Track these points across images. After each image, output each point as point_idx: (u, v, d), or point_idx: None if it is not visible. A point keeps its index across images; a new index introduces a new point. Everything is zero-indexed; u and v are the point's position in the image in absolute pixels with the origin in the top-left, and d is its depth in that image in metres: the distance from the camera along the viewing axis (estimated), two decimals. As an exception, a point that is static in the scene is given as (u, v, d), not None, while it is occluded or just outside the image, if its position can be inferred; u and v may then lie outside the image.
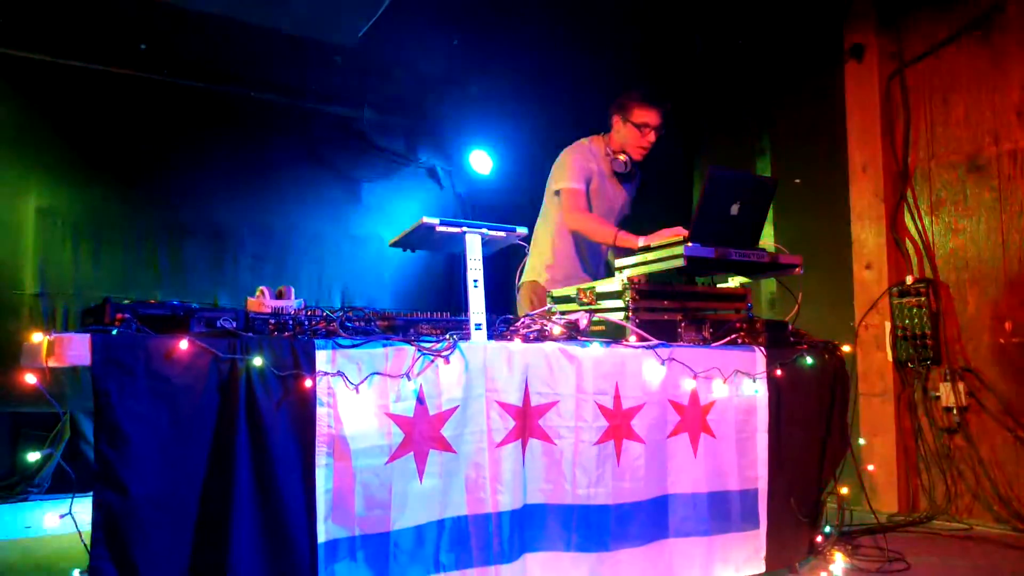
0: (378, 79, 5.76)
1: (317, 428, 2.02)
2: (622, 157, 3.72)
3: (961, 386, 3.97)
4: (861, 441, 4.21)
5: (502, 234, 2.50)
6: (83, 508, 1.81)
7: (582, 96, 5.48)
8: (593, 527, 2.46)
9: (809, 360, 2.97)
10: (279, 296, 2.30)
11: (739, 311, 3.08)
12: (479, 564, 2.25)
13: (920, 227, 4.22)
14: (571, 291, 3.08)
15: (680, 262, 2.73)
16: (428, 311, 2.49)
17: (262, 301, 2.23)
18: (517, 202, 5.75)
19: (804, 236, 4.58)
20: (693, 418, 2.71)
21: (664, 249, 2.84)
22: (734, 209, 2.85)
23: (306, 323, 2.18)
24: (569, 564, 2.43)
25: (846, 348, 3.16)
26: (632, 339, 2.69)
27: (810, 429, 3.00)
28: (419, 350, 2.19)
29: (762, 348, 2.87)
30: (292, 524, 1.97)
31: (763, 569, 2.81)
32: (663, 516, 2.63)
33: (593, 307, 2.93)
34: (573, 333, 2.65)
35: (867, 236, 4.37)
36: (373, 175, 6.01)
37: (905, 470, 4.18)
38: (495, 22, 5.18)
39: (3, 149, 4.63)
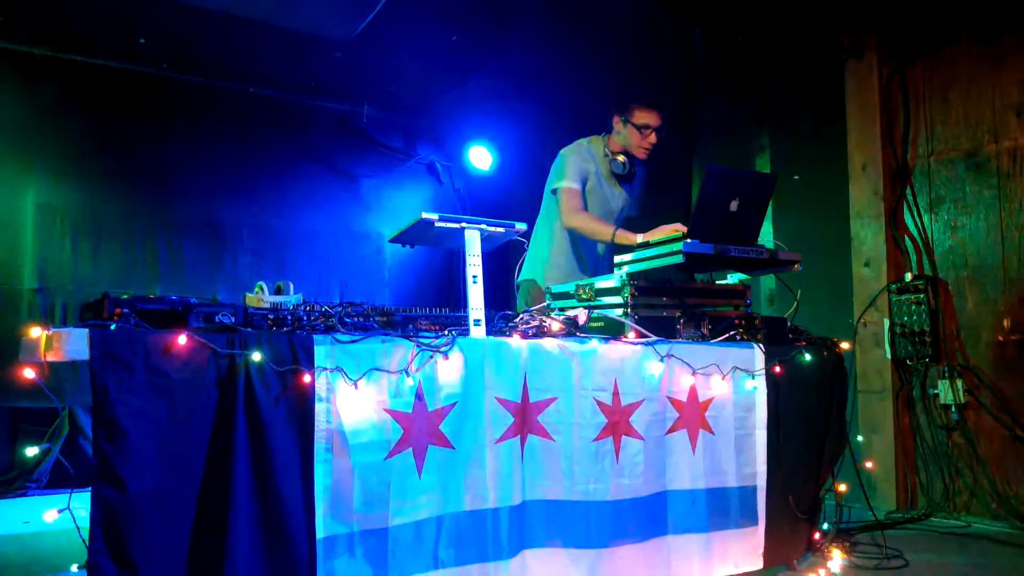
0: (377, 75, 5.75)
1: (316, 424, 2.02)
2: (621, 158, 3.72)
3: (959, 383, 3.97)
4: (859, 438, 4.22)
5: (501, 230, 2.50)
6: (82, 503, 1.82)
7: (581, 92, 5.48)
8: (592, 523, 2.46)
9: (808, 357, 2.97)
10: (278, 292, 2.30)
11: (738, 308, 3.08)
12: (478, 560, 2.25)
13: (919, 225, 4.22)
14: (570, 287, 3.08)
15: (679, 258, 2.72)
16: (427, 307, 2.49)
17: (261, 297, 2.23)
18: (516, 198, 5.76)
19: (803, 233, 4.58)
20: (692, 414, 2.71)
21: (663, 245, 2.83)
22: (733, 205, 2.84)
23: (305, 319, 2.18)
24: (568, 560, 2.43)
25: (845, 345, 3.16)
26: (631, 335, 2.69)
27: (809, 426, 3.00)
28: (418, 346, 2.19)
29: (761, 345, 2.87)
30: (291, 520, 1.97)
31: (761, 566, 2.82)
32: (662, 512, 2.64)
33: (592, 303, 2.93)
34: (572, 329, 2.65)
35: (866, 233, 4.37)
36: (372, 171, 6.01)
37: (903, 467, 4.18)
38: (494, 18, 5.17)
39: (2, 144, 4.62)
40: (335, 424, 2.05)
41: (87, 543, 1.77)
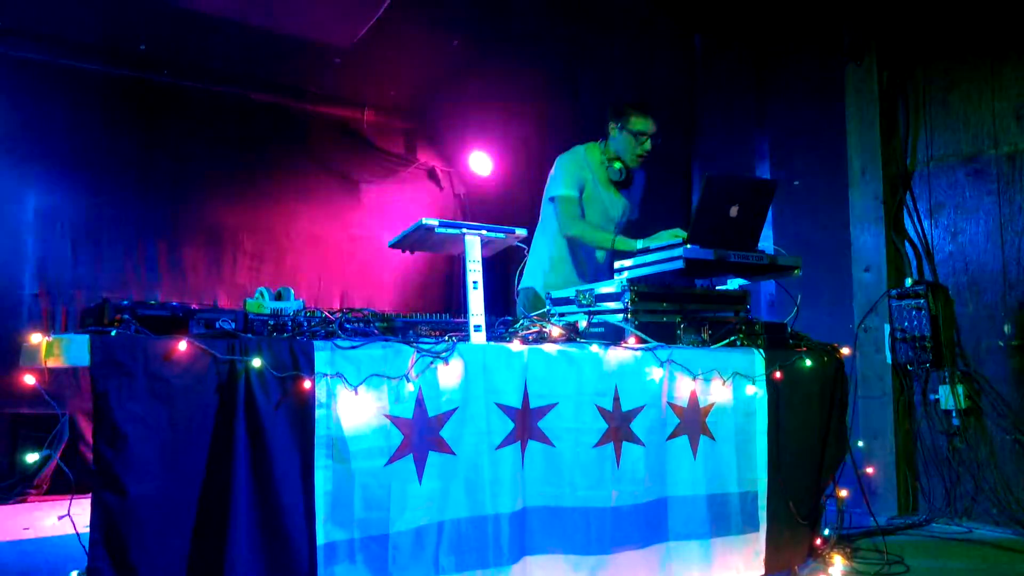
0: (377, 80, 5.76)
1: (316, 429, 2.02)
2: (618, 165, 3.73)
3: (960, 389, 3.96)
4: (860, 444, 4.21)
5: (501, 236, 2.51)
6: (82, 509, 1.81)
7: (582, 98, 5.49)
8: (593, 530, 2.46)
9: (808, 362, 2.97)
10: (278, 297, 2.30)
11: (738, 313, 3.08)
12: (479, 567, 2.25)
13: (920, 230, 4.22)
14: (570, 293, 3.08)
15: (679, 264, 2.72)
16: (427, 312, 2.49)
17: (261, 302, 2.23)
18: (517, 204, 5.76)
19: (803, 238, 4.58)
20: (692, 420, 2.71)
21: (663, 251, 2.84)
22: (733, 211, 2.84)
23: (305, 324, 2.19)
24: (569, 567, 2.42)
25: (845, 350, 3.16)
26: (631, 341, 2.69)
27: (809, 431, 3.00)
28: (418, 352, 2.19)
29: (761, 350, 2.87)
30: (291, 526, 1.97)
31: (762, 572, 2.81)
32: (663, 519, 2.63)
33: (592, 309, 2.93)
34: (572, 335, 2.65)
35: (866, 238, 4.37)
36: (372, 176, 6.01)
37: (904, 473, 4.17)
38: (495, 24, 5.19)
39: (2, 150, 4.63)
40: (335, 430, 2.05)
41: (87, 549, 1.77)
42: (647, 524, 2.58)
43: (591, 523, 2.46)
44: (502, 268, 5.22)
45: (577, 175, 3.69)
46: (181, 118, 5.19)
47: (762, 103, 5.12)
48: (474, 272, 2.40)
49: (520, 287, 3.85)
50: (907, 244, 4.26)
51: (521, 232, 2.56)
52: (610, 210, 3.80)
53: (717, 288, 3.19)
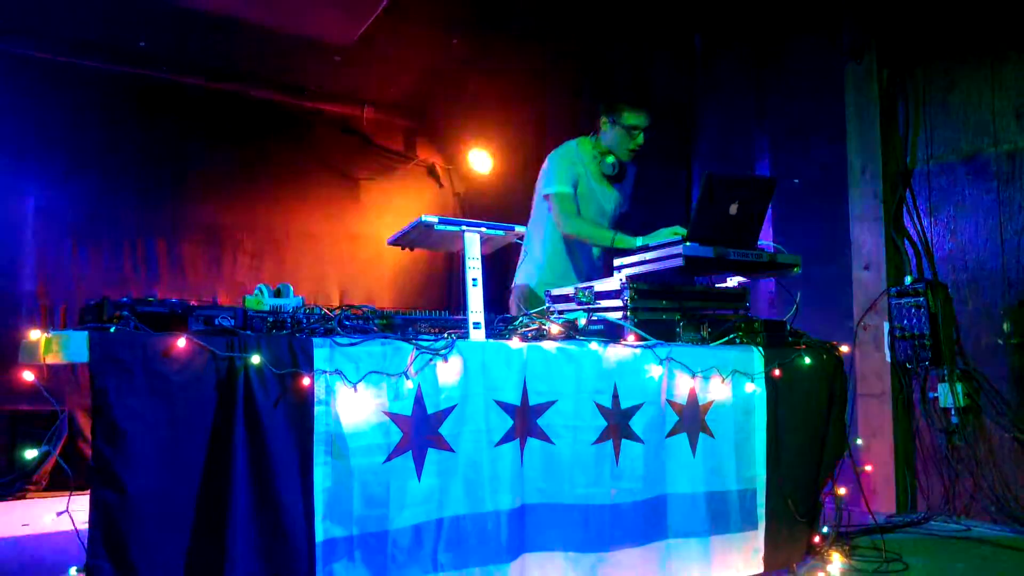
0: (378, 78, 5.76)
1: (315, 426, 2.02)
2: (611, 158, 3.72)
3: (959, 387, 3.96)
4: (859, 442, 4.21)
5: (501, 233, 2.51)
6: (80, 506, 1.81)
7: (582, 96, 5.49)
8: (591, 527, 2.46)
9: (807, 360, 2.97)
10: (277, 294, 2.30)
11: (737, 311, 3.08)
12: (477, 564, 2.25)
13: (919, 228, 4.22)
14: (569, 290, 3.08)
15: (679, 262, 2.72)
16: (427, 309, 2.49)
17: (260, 299, 2.23)
18: (516, 201, 5.74)
19: (803, 236, 4.58)
20: (691, 418, 2.71)
21: (663, 249, 2.83)
22: (733, 209, 2.84)
23: (304, 321, 2.18)
24: (567, 564, 2.42)
25: (844, 348, 3.16)
26: (631, 338, 2.69)
27: (808, 429, 3.00)
28: (417, 349, 2.19)
29: (760, 348, 2.87)
30: (290, 523, 1.97)
31: (761, 569, 2.81)
32: (661, 516, 2.63)
33: (591, 306, 2.93)
34: (572, 332, 2.65)
35: (866, 236, 4.37)
36: (372, 174, 6.01)
37: (903, 471, 4.18)
38: (494, 21, 5.18)
39: (2, 147, 4.62)
40: (334, 427, 2.05)
41: (86, 546, 1.77)
42: (646, 522, 2.58)
43: (590, 520, 2.46)
44: (501, 266, 5.22)
45: (571, 171, 3.68)
46: (181, 116, 5.19)
47: (762, 102, 5.12)
48: (473, 269, 2.40)
49: (513, 284, 3.84)
50: (907, 242, 4.26)
51: (521, 229, 2.56)
52: (604, 204, 3.79)
53: (716, 286, 3.19)
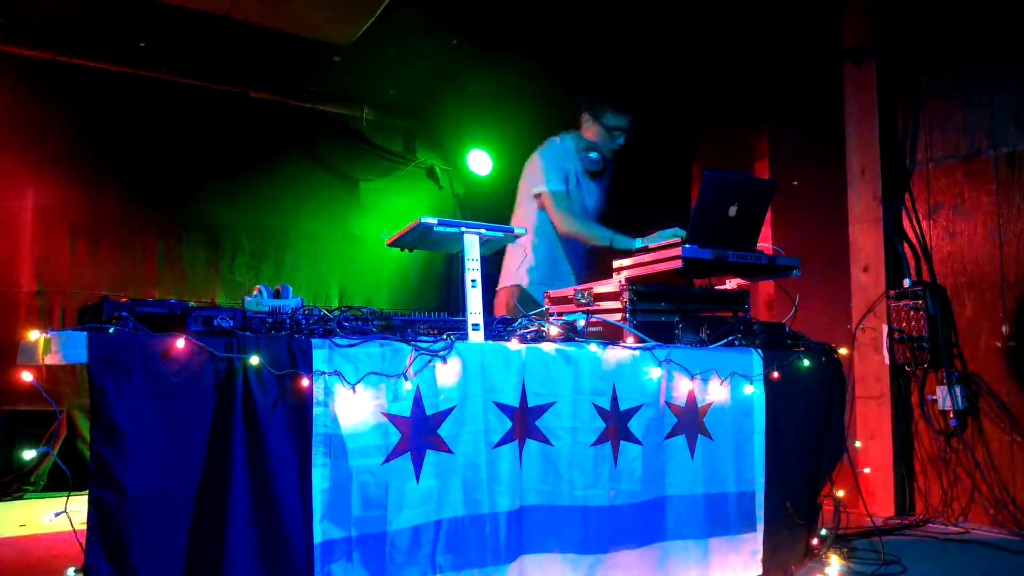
0: (377, 79, 5.76)
1: (313, 427, 2.02)
2: (594, 155, 3.71)
3: (958, 390, 3.96)
4: (858, 444, 4.21)
5: (500, 234, 2.50)
6: (79, 506, 1.81)
7: (581, 98, 5.47)
8: (590, 529, 2.46)
9: (806, 362, 2.97)
10: (276, 295, 2.29)
11: (736, 313, 3.08)
12: (476, 565, 2.25)
13: (918, 230, 4.22)
14: (568, 291, 3.08)
15: (678, 263, 2.72)
16: (426, 311, 2.49)
17: (259, 300, 2.23)
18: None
19: (802, 238, 4.57)
20: (690, 420, 2.71)
21: (661, 250, 2.83)
22: (732, 211, 2.84)
23: (303, 322, 2.18)
24: (566, 566, 2.42)
25: (843, 351, 3.17)
26: (629, 340, 2.69)
27: (807, 431, 3.00)
28: (416, 350, 2.19)
29: (759, 350, 2.87)
30: (288, 524, 1.97)
31: (760, 571, 2.81)
32: (660, 518, 2.63)
33: (590, 308, 2.93)
34: (570, 334, 2.65)
35: (865, 239, 4.37)
36: (371, 175, 6.02)
37: (901, 473, 4.18)
38: (494, 21, 5.18)
39: (2, 147, 4.62)
40: (333, 428, 2.05)
41: (84, 546, 1.76)
42: (644, 523, 2.58)
43: (588, 522, 2.46)
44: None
45: (562, 168, 3.66)
46: (180, 116, 5.19)
47: (761, 103, 5.12)
48: (472, 271, 2.40)
49: (500, 286, 3.81)
50: (906, 245, 4.26)
51: (521, 231, 2.56)
52: (587, 201, 3.78)
53: (716, 288, 3.19)
